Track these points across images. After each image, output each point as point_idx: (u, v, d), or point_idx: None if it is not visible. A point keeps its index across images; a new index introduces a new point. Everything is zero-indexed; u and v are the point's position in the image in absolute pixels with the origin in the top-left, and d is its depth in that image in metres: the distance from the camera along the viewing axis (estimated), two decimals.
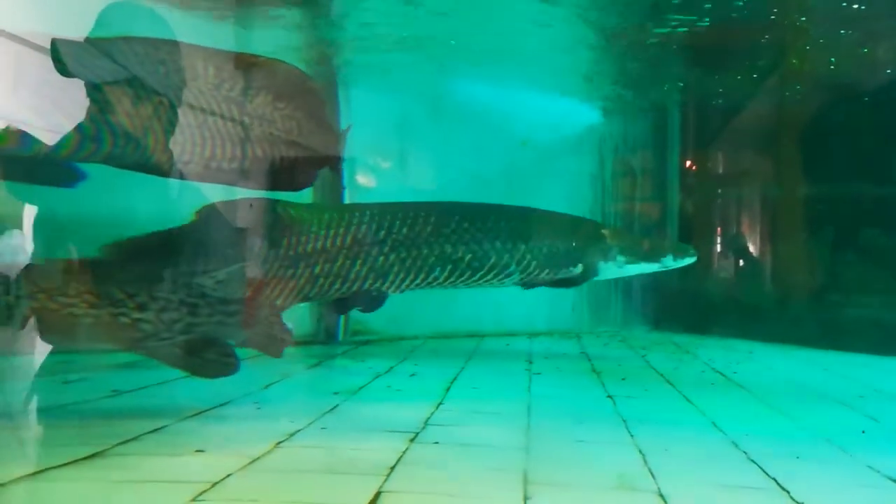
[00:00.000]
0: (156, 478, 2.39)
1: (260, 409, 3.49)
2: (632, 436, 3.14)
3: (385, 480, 2.41)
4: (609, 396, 4.03)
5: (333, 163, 4.39)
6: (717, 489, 2.49)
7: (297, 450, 2.79)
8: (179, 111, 3.63)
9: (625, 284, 7.87)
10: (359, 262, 4.42)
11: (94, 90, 3.42)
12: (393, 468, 2.55)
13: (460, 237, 4.80)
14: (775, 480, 2.56)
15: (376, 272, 4.49)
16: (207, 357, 3.21)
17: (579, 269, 5.23)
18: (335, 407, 3.55)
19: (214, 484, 2.33)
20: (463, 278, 4.86)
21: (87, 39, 3.47)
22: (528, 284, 5.18)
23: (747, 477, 2.62)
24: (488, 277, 4.94)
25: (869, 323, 6.17)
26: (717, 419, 3.50)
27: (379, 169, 6.31)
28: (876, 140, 6.07)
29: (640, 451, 2.88)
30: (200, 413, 3.32)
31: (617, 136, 7.78)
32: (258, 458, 2.63)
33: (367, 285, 4.48)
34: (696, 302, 7.29)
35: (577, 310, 7.53)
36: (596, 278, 5.49)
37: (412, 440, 2.95)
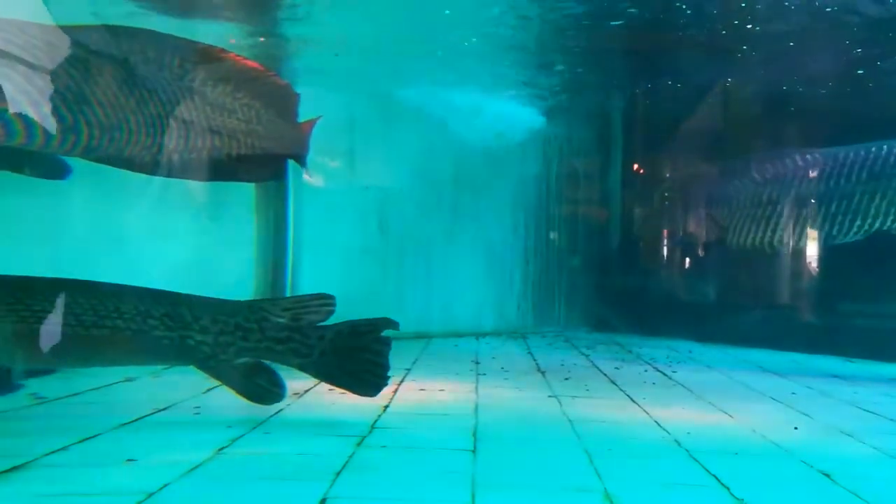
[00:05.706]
0: (84, 491, 2.27)
1: (200, 414, 3.38)
2: (578, 436, 3.17)
3: (331, 485, 2.36)
4: (554, 396, 4.07)
5: (301, 154, 4.40)
6: (661, 487, 2.53)
7: (240, 456, 2.71)
8: (153, 104, 3.51)
9: (568, 286, 7.98)
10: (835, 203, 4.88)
11: (71, 79, 3.27)
12: (339, 473, 2.50)
13: None
14: (716, 477, 2.62)
15: (854, 212, 4.84)
16: (259, 382, 3.25)
17: None
18: (279, 411, 3.47)
19: (150, 495, 2.23)
20: None
21: (64, 27, 3.31)
22: None
23: (689, 475, 2.67)
24: None
25: (800, 323, 6.42)
26: (659, 418, 3.57)
27: (327, 168, 6.23)
28: (818, 143, 6.28)
29: (586, 452, 2.90)
30: (136, 420, 3.19)
31: (562, 139, 7.89)
32: (198, 466, 2.54)
33: (858, 226, 4.83)
34: (637, 303, 7.44)
35: (522, 311, 7.60)
36: None
37: (359, 444, 2.90)
